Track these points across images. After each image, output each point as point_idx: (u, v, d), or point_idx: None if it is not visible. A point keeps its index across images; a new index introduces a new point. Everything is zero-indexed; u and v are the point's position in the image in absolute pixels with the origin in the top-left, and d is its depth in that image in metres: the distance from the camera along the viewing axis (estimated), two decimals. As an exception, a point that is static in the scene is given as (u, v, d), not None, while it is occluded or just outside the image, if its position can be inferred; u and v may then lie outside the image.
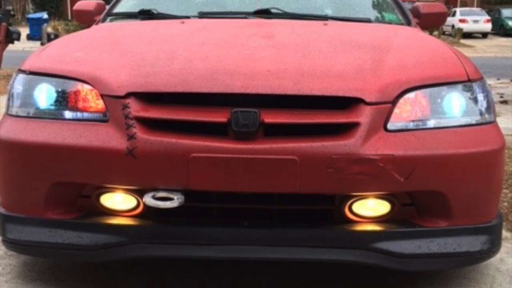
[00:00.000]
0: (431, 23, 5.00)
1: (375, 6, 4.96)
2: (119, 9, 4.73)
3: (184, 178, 2.83)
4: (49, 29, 28.41)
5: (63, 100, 3.07)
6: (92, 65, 3.13)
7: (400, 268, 3.04)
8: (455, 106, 3.06)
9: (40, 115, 3.07)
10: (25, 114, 3.10)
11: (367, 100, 2.90)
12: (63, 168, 2.95)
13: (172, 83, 2.94)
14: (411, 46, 3.57)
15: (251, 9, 4.37)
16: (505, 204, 4.81)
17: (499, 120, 3.43)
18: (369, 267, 3.13)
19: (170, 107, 2.92)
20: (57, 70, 3.13)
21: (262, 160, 2.80)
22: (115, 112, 2.93)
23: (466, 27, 38.98)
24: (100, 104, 2.99)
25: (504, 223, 3.90)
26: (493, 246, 3.13)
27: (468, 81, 3.12)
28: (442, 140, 2.95)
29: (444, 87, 3.07)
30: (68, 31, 28.11)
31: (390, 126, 2.93)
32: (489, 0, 53.54)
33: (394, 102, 2.96)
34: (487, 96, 3.16)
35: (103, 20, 4.55)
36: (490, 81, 12.48)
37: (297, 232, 3.00)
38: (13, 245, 3.16)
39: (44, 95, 3.09)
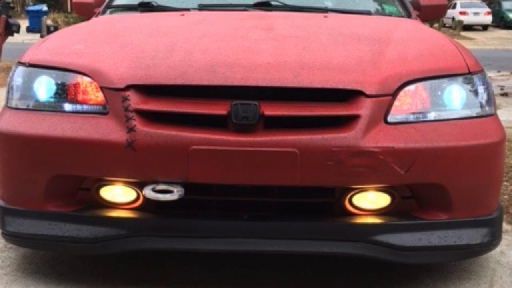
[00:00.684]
0: (431, 15, 5.00)
1: (376, -2, 4.95)
2: (119, 1, 4.71)
3: (184, 171, 2.83)
4: (49, 22, 28.37)
5: (63, 92, 3.06)
6: (91, 57, 3.12)
7: (400, 260, 3.04)
8: (456, 98, 3.06)
9: (40, 108, 3.06)
10: (24, 107, 3.09)
11: (367, 92, 2.90)
12: (62, 160, 2.95)
13: (172, 75, 2.93)
14: (411, 38, 3.56)
15: (251, 1, 4.36)
16: (506, 196, 4.81)
17: (499, 112, 3.43)
18: (369, 260, 3.13)
19: (170, 99, 2.91)
20: (56, 63, 3.12)
21: (262, 153, 2.79)
22: (115, 105, 2.92)
23: (467, 19, 38.94)
24: (99, 96, 2.99)
25: (504, 216, 3.89)
26: (494, 239, 3.13)
27: (469, 74, 3.11)
28: (443, 132, 2.95)
29: (445, 80, 3.07)
30: (67, 24, 28.07)
31: (390, 118, 2.92)
32: (490, -8, 53.49)
33: (394, 94, 2.95)
34: (488, 89, 3.15)
35: (103, 13, 4.54)
36: (490, 74, 12.47)
37: (297, 225, 2.99)
38: (12, 237, 3.15)
39: (44, 87, 3.09)
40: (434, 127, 2.96)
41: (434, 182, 2.95)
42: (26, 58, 3.21)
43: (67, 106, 3.04)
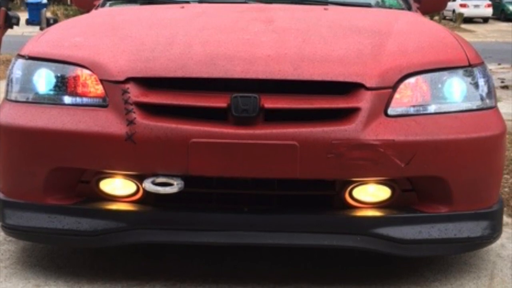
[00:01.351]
0: (431, 8, 4.99)
1: (376, -10, 4.93)
2: (118, -7, 4.71)
3: (183, 164, 2.83)
4: (48, 14, 28.30)
5: (63, 85, 3.06)
6: (91, 50, 3.12)
7: (400, 253, 3.04)
8: (456, 91, 3.06)
9: (39, 100, 3.06)
10: (24, 99, 3.09)
11: (368, 85, 2.89)
12: (62, 153, 2.95)
13: (172, 68, 2.93)
14: (411, 31, 3.56)
15: (251, -7, 4.35)
16: (506, 189, 4.80)
17: (500, 105, 3.42)
18: (370, 253, 3.13)
19: (170, 92, 2.91)
20: (56, 55, 3.12)
21: (262, 146, 2.79)
22: (115, 97, 2.92)
23: (467, 12, 38.87)
24: (99, 89, 2.98)
25: (505, 209, 3.89)
26: (494, 232, 3.13)
27: (469, 66, 3.11)
28: (443, 125, 2.95)
29: (445, 72, 3.06)
30: (67, 16, 28.04)
31: (390, 111, 2.92)
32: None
33: (394, 87, 2.95)
34: (488, 81, 3.15)
35: (103, 5, 4.52)
36: (491, 66, 12.42)
37: (297, 218, 2.99)
38: (12, 230, 3.15)
39: (43, 80, 3.08)
40: (434, 120, 2.96)
41: (434, 175, 2.95)
42: (25, 51, 3.21)
43: (67, 99, 3.03)
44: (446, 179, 2.96)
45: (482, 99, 3.08)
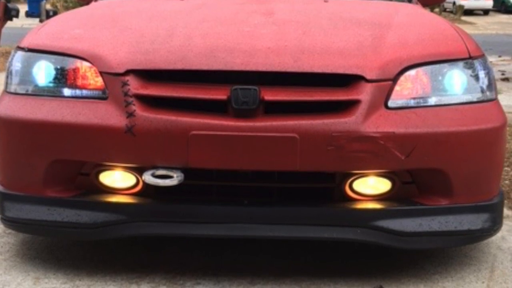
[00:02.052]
0: (431, 0, 4.98)
1: (376, -18, 4.92)
2: (118, -15, 4.69)
3: (183, 156, 2.82)
4: (48, 6, 28.25)
5: (62, 77, 3.05)
6: (91, 42, 3.11)
7: (400, 246, 3.03)
8: (456, 83, 3.05)
9: (39, 93, 3.05)
10: (23, 92, 3.08)
11: (368, 77, 2.89)
12: (62, 145, 2.95)
13: (172, 60, 2.92)
14: (412, 23, 3.55)
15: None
16: (507, 182, 4.80)
17: (500, 97, 3.41)
18: (370, 245, 3.13)
19: (170, 84, 2.91)
20: (56, 47, 3.11)
21: (262, 138, 2.79)
22: (114, 90, 2.91)
23: (467, 4, 38.83)
24: (99, 81, 2.98)
25: (505, 201, 3.89)
26: (495, 224, 3.13)
27: (469, 58, 3.10)
28: (443, 117, 2.94)
29: (445, 64, 3.06)
30: (67, 8, 28.00)
31: (391, 103, 2.91)
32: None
33: (395, 79, 2.95)
34: (489, 74, 3.14)
35: (102, -3, 4.51)
36: (491, 58, 12.42)
37: (298, 210, 2.99)
38: (11, 223, 3.15)
39: (43, 72, 3.08)
40: (434, 112, 2.95)
41: (434, 167, 2.94)
42: (25, 43, 3.20)
43: (67, 91, 3.03)
44: (447, 171, 2.96)
45: (482, 91, 3.08)
